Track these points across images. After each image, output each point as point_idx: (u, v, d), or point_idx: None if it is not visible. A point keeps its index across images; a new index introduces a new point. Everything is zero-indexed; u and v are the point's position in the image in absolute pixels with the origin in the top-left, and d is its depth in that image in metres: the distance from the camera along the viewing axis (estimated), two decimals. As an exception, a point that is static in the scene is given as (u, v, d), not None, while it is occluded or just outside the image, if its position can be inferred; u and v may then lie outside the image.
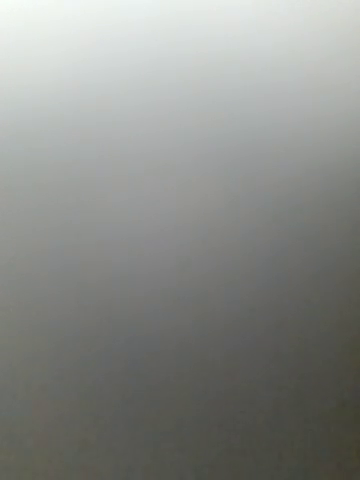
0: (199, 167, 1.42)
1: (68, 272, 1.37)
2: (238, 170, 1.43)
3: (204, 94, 1.42)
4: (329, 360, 1.43)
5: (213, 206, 1.43)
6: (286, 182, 1.45)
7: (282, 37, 1.44)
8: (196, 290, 1.41)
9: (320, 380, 1.42)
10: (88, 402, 1.35)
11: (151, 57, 1.39)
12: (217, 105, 1.43)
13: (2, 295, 1.35)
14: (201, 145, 1.43)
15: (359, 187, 1.48)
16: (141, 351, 1.38)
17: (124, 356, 1.37)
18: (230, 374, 1.39)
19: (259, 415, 1.38)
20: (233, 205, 1.43)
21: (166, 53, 1.40)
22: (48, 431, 1.32)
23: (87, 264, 1.38)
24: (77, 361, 1.36)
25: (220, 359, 1.39)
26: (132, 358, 1.37)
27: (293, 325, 1.42)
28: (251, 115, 1.44)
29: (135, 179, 1.41)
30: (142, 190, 1.41)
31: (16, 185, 1.37)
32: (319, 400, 1.41)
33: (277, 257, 1.44)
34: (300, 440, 1.38)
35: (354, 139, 1.48)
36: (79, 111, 1.38)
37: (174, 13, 1.39)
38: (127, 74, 1.39)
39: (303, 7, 1.44)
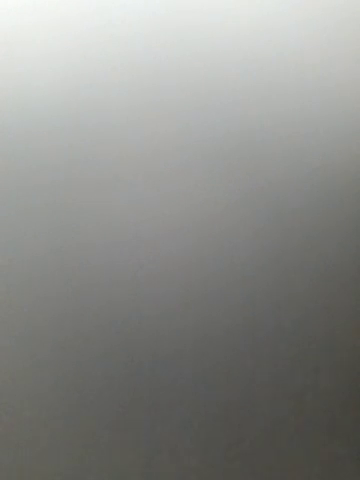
0: (200, 168, 1.42)
1: (68, 274, 1.37)
2: (240, 172, 1.43)
3: (205, 95, 1.42)
4: (330, 364, 1.42)
5: (215, 208, 1.42)
6: (289, 184, 1.45)
7: (283, 37, 1.44)
8: (197, 293, 1.40)
9: (321, 383, 1.42)
10: (87, 405, 1.34)
11: (151, 57, 1.39)
12: (218, 106, 1.42)
13: (1, 296, 1.35)
14: (202, 146, 1.42)
15: (361, 189, 1.48)
16: (142, 354, 1.38)
17: (124, 359, 1.37)
18: (231, 377, 1.39)
19: (260, 419, 1.38)
20: (235, 207, 1.43)
21: (166, 53, 1.40)
22: (48, 433, 1.32)
23: (87, 266, 1.38)
24: (76, 364, 1.36)
25: (221, 362, 1.39)
26: (132, 361, 1.37)
27: (294, 328, 1.42)
28: (252, 116, 1.44)
29: (135, 180, 1.41)
30: (143, 192, 1.40)
31: (16, 185, 1.37)
32: (320, 403, 1.41)
33: (279, 260, 1.44)
34: (300, 443, 1.38)
35: (356, 140, 1.48)
36: (79, 111, 1.38)
37: (174, 13, 1.39)
38: (127, 75, 1.39)
39: (305, 6, 1.44)
